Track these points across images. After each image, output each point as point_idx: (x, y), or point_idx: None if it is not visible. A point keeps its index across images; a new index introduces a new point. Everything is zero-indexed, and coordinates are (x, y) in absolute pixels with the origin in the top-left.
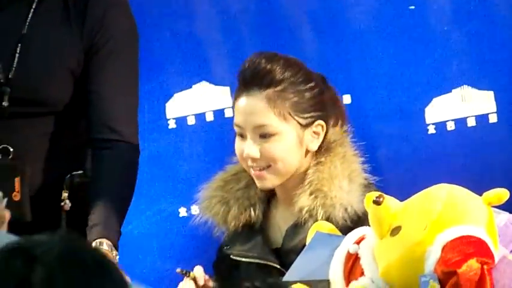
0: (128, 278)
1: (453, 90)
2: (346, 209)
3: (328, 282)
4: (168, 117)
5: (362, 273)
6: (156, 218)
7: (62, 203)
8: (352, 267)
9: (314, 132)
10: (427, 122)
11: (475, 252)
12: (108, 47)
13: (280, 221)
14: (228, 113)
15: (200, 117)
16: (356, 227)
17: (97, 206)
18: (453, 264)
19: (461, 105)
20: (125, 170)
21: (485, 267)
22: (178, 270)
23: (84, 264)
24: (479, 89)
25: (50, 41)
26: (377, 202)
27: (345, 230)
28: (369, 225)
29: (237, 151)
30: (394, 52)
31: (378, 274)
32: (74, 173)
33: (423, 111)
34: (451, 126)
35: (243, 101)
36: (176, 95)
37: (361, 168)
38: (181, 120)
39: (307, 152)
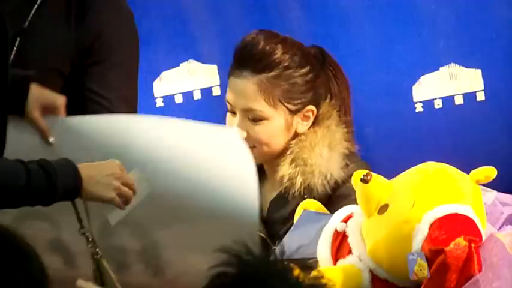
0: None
1: (441, 68)
2: (325, 177)
3: (315, 260)
4: (155, 95)
5: (349, 252)
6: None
7: None
8: (340, 245)
9: (304, 116)
10: (415, 100)
11: (463, 231)
12: (107, 56)
13: (265, 193)
14: (215, 92)
15: (188, 95)
16: (335, 195)
17: None
18: (441, 242)
19: (449, 83)
20: None
21: (472, 245)
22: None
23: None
24: (467, 67)
25: (46, 40)
26: (364, 180)
27: (325, 197)
28: (350, 195)
29: (228, 124)
30: (381, 30)
31: (365, 252)
32: None
33: (411, 89)
34: (438, 104)
35: (236, 81)
36: (164, 74)
37: (343, 138)
38: (168, 99)
39: (295, 134)
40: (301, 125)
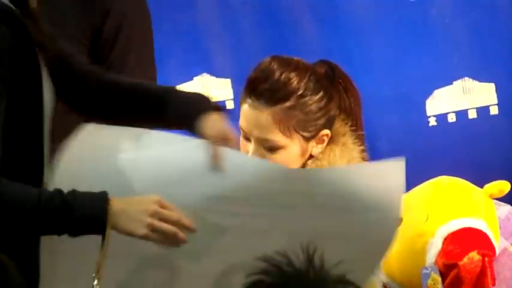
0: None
1: (454, 82)
2: None
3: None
4: None
5: None
6: None
7: None
8: None
9: (319, 140)
10: (428, 114)
11: (476, 245)
12: (120, 38)
13: None
14: (229, 105)
15: None
16: None
17: None
18: (454, 256)
19: (463, 97)
20: None
21: (486, 259)
22: None
23: None
24: (481, 81)
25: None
26: None
27: None
28: None
29: (242, 150)
30: (395, 44)
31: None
32: None
33: (424, 103)
34: (452, 118)
35: (249, 110)
36: (177, 88)
37: (360, 156)
38: None
39: (310, 156)
40: (315, 148)
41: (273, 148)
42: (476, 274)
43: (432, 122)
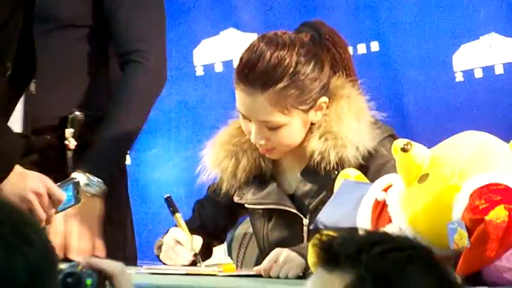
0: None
1: (481, 38)
2: (357, 148)
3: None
4: (195, 64)
5: (389, 221)
6: (184, 164)
7: (66, 142)
8: (380, 214)
9: (318, 108)
10: (455, 69)
11: (503, 200)
12: None
13: (290, 168)
14: None
15: (227, 64)
16: (368, 164)
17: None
18: (481, 211)
19: (489, 52)
20: (135, 95)
21: None
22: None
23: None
24: (507, 36)
25: None
26: (405, 149)
27: (358, 167)
28: (389, 160)
29: (243, 128)
30: (422, 0)
31: (405, 221)
32: (77, 112)
33: (451, 58)
34: (478, 73)
35: (244, 96)
36: (203, 42)
37: (367, 107)
38: (208, 67)
39: (312, 122)
40: (315, 115)
41: (274, 127)
42: (503, 229)
43: (459, 77)
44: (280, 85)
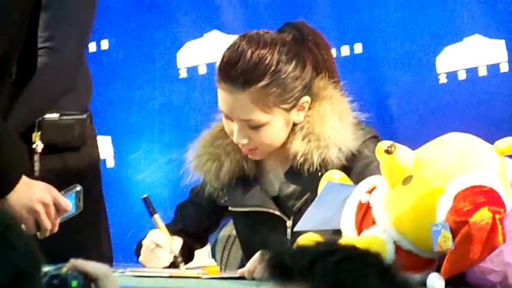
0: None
1: (464, 39)
2: (340, 149)
3: (339, 231)
4: (179, 66)
5: (374, 223)
6: (167, 167)
7: (34, 145)
8: (364, 216)
9: (300, 107)
10: (438, 71)
11: (487, 202)
12: None
13: (273, 169)
14: None
15: (211, 66)
16: (352, 165)
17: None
18: (464, 213)
19: (473, 54)
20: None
21: (496, 216)
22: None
23: None
24: (491, 37)
25: None
26: (388, 151)
27: (341, 168)
28: (372, 161)
29: (226, 128)
30: (405, 1)
31: (389, 223)
32: (47, 116)
33: (434, 60)
34: (462, 75)
35: (225, 94)
36: (187, 44)
37: (350, 108)
38: (192, 70)
39: (294, 123)
40: (298, 116)
41: (256, 126)
42: (487, 231)
43: (442, 79)
44: (262, 83)
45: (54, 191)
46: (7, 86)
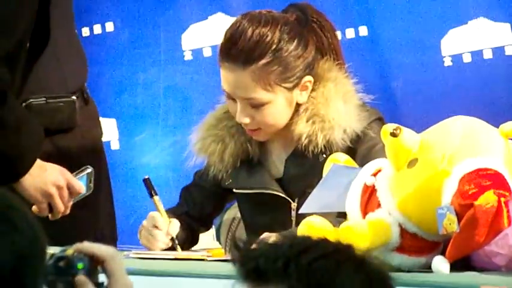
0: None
1: (469, 22)
2: (345, 130)
3: (344, 214)
4: (184, 48)
5: (379, 205)
6: (172, 149)
7: None
8: (369, 199)
9: (303, 87)
10: (443, 54)
11: (492, 185)
12: None
13: (277, 152)
14: None
15: (216, 48)
16: (356, 147)
17: None
18: (470, 196)
19: (478, 37)
20: None
21: (502, 199)
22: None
23: None
24: (496, 20)
25: None
26: (394, 134)
27: (346, 150)
28: (377, 143)
29: (230, 109)
30: None
31: (394, 206)
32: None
33: (439, 43)
34: (467, 58)
35: (228, 73)
36: (192, 26)
37: (354, 89)
38: (197, 52)
39: (297, 104)
40: (301, 96)
41: (258, 104)
42: (492, 214)
43: (447, 62)
44: (263, 61)
45: (67, 173)
46: (20, 68)
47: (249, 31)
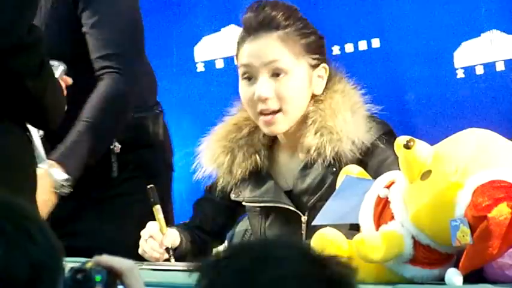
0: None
1: (482, 35)
2: (353, 142)
3: (357, 226)
4: (196, 60)
5: (392, 218)
6: (184, 161)
7: (112, 146)
8: (382, 211)
9: (319, 76)
10: (456, 66)
11: (506, 197)
12: None
13: (286, 164)
14: None
15: (228, 60)
16: (367, 160)
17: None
18: (483, 208)
19: (490, 49)
20: (105, 102)
21: None
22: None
23: (0, 229)
24: (508, 33)
25: None
26: (407, 146)
27: (355, 162)
28: (389, 156)
29: (244, 96)
30: None
31: (408, 218)
32: None
33: (452, 55)
34: (480, 70)
35: (253, 42)
36: (205, 38)
37: (362, 101)
38: (209, 64)
39: (312, 95)
40: (317, 85)
41: (280, 71)
42: (505, 226)
43: (460, 74)
44: (289, 29)
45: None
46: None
47: (270, 8)
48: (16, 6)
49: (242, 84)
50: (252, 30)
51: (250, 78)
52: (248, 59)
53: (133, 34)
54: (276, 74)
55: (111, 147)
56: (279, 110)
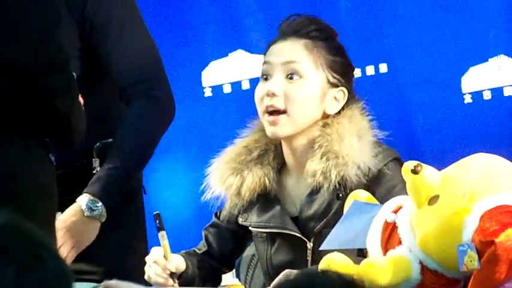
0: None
1: (490, 60)
2: (359, 167)
3: (365, 251)
4: (204, 85)
5: (399, 243)
6: (192, 186)
7: (94, 171)
8: (390, 236)
9: (335, 98)
10: (464, 91)
11: None
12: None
13: (294, 189)
14: None
15: (236, 85)
16: (374, 188)
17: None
18: (491, 233)
19: (498, 74)
20: (141, 126)
21: None
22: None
23: (12, 254)
24: None
25: None
26: (415, 171)
27: (361, 187)
28: (396, 184)
29: (256, 93)
30: (430, 21)
31: (415, 243)
32: (103, 141)
33: (460, 80)
34: (487, 95)
35: (279, 43)
36: (212, 63)
37: (369, 126)
38: (217, 89)
39: (324, 114)
40: (330, 105)
41: (296, 73)
42: None
43: (467, 99)
44: (318, 41)
45: None
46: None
47: (307, 18)
48: (46, 25)
49: (259, 84)
50: (282, 34)
51: (267, 77)
52: (269, 57)
53: (158, 60)
54: (291, 75)
55: (94, 172)
56: (284, 111)
